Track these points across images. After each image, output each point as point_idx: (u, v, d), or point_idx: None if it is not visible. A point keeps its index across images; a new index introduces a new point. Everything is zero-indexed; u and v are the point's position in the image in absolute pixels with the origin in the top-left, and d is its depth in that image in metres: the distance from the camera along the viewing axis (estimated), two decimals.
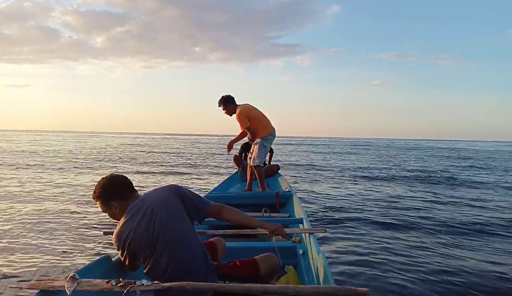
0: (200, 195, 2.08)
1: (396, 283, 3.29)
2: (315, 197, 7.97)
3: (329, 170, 14.75)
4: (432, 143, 67.16)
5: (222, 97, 5.20)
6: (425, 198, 8.19)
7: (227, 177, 6.86)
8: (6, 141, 36.14)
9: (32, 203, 6.86)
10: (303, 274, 2.59)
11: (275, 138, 5.49)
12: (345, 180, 11.45)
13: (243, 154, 6.89)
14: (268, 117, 5.39)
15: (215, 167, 15.59)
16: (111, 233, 2.85)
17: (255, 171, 5.27)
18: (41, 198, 7.52)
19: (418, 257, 4.00)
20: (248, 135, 5.34)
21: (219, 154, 24.05)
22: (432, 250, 4.28)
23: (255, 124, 5.19)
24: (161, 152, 25.73)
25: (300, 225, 3.34)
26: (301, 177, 12.07)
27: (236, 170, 6.87)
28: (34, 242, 4.59)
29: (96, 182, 2.01)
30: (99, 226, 5.28)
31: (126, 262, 1.94)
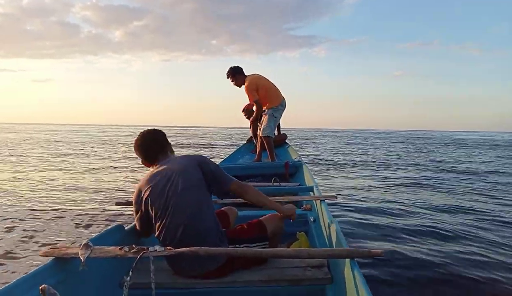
0: (224, 172, 2.04)
1: (410, 249, 3.29)
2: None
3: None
4: (462, 135, 62.91)
5: (231, 68, 5.11)
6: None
7: (236, 149, 6.84)
8: (42, 133, 37.70)
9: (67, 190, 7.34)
10: (315, 240, 2.59)
11: (285, 109, 5.39)
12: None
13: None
14: (278, 87, 5.28)
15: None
16: (123, 203, 2.91)
17: (265, 141, 5.22)
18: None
19: (438, 223, 4.03)
20: (254, 107, 5.28)
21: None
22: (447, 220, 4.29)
23: (264, 94, 5.08)
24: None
25: (311, 193, 3.32)
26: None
27: (245, 142, 6.84)
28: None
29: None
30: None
31: (140, 224, 2.01)
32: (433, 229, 4.17)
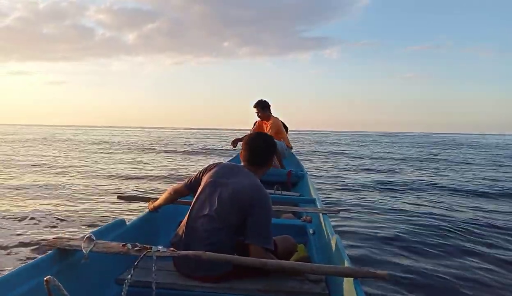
0: (269, 228, 1.86)
1: (413, 270, 3.26)
2: None
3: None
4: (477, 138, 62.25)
5: (261, 101, 5.32)
6: None
7: (237, 153, 6.83)
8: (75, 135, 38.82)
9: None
10: (313, 253, 2.59)
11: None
12: None
13: None
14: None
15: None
16: (125, 198, 2.97)
17: None
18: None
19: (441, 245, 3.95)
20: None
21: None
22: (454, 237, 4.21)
23: (283, 137, 5.45)
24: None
25: (312, 205, 3.32)
26: None
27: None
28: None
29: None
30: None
31: (188, 181, 2.15)
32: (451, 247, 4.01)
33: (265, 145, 2.06)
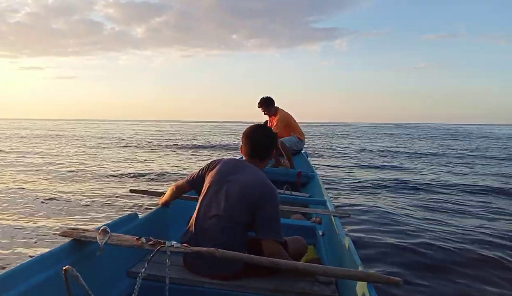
0: (278, 222, 1.86)
1: (427, 278, 3.19)
2: None
3: None
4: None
5: (263, 99, 5.29)
6: None
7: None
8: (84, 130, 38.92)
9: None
10: (322, 255, 2.59)
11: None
12: None
13: None
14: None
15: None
16: (137, 191, 3.01)
17: (282, 148, 5.32)
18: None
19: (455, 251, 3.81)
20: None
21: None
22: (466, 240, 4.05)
23: (294, 130, 5.44)
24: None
25: (322, 206, 3.31)
26: None
27: None
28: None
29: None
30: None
31: (192, 177, 2.15)
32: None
33: (265, 137, 2.02)
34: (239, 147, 2.11)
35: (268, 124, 5.61)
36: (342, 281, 1.87)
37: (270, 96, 5.35)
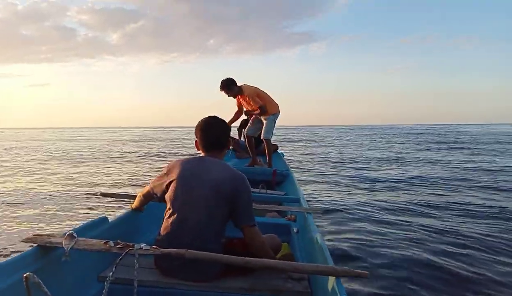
0: (252, 207, 1.91)
1: (395, 272, 3.28)
2: None
3: None
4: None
5: (223, 81, 5.07)
6: None
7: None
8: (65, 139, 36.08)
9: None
10: (296, 252, 2.61)
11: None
12: None
13: (242, 130, 6.91)
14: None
15: None
16: (108, 195, 2.93)
17: (266, 144, 5.37)
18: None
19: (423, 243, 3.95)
20: (256, 112, 5.30)
21: None
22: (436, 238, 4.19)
23: (265, 103, 5.22)
24: None
25: (296, 204, 3.35)
26: None
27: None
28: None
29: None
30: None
31: (153, 184, 2.03)
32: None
33: (218, 126, 1.99)
34: (194, 142, 2.05)
35: (238, 106, 5.45)
36: (314, 277, 1.89)
37: (229, 77, 5.13)
